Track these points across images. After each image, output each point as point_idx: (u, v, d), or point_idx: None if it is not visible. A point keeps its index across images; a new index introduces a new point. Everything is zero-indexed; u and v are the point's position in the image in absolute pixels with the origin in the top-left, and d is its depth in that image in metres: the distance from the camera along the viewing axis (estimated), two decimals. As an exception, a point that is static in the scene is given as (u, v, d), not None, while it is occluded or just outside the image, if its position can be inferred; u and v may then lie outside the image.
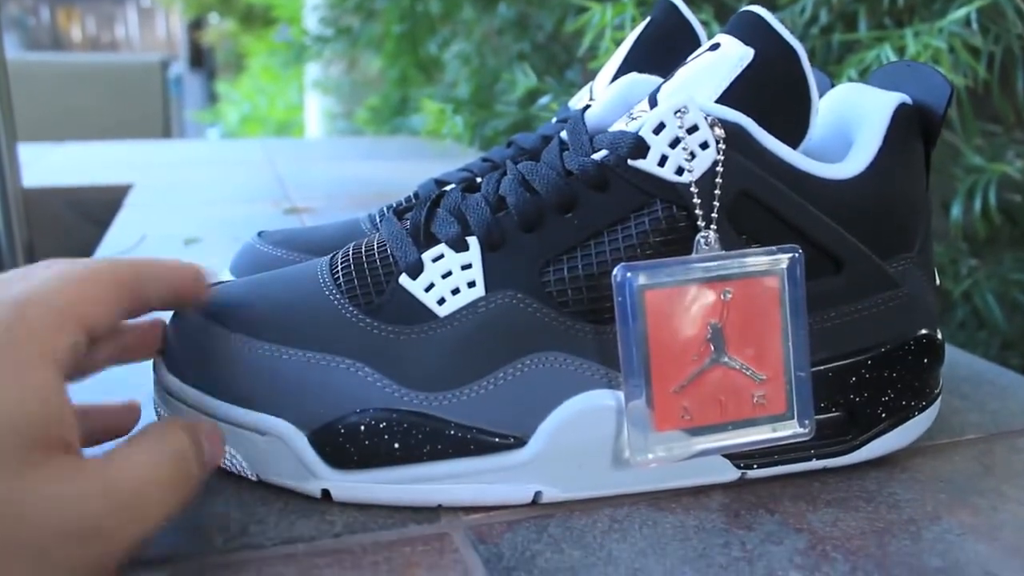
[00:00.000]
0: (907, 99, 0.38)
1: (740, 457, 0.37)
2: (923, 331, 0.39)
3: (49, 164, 1.27)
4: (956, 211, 0.78)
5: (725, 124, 0.35)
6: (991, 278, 0.82)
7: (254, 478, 0.36)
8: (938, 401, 0.40)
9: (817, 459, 0.38)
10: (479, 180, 0.39)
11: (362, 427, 0.34)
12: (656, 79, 0.44)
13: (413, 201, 0.52)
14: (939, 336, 0.40)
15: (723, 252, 0.35)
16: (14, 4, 7.30)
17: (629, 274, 0.33)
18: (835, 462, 0.38)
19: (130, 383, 0.39)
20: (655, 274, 0.34)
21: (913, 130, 0.39)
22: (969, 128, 0.80)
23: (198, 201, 0.98)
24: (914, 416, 0.39)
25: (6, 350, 0.25)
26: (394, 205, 0.53)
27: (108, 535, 0.25)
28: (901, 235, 0.38)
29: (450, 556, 0.32)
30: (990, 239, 0.85)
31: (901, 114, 0.38)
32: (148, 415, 0.39)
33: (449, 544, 0.33)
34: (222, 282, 0.41)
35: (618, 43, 0.82)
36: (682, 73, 0.37)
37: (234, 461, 0.36)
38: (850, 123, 0.39)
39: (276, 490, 0.36)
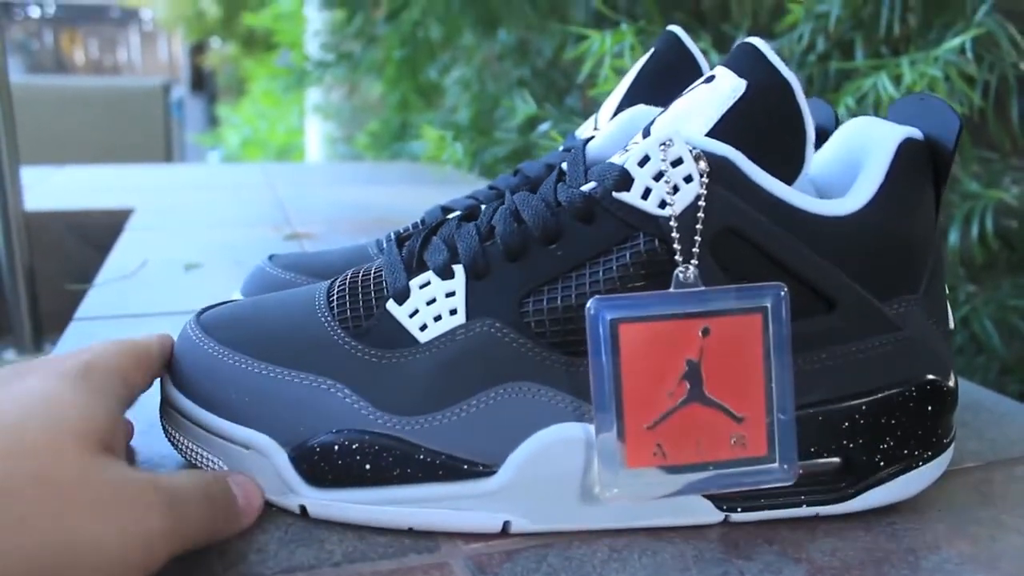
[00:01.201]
0: (914, 133, 0.37)
1: (723, 499, 0.36)
2: (929, 376, 0.37)
3: (51, 187, 1.27)
4: (953, 237, 0.78)
5: (711, 157, 0.34)
6: (989, 304, 0.83)
7: None
8: (949, 451, 0.39)
9: (808, 506, 0.37)
10: (483, 208, 0.40)
11: (336, 447, 0.35)
12: (659, 111, 0.44)
13: (420, 228, 0.53)
14: (950, 383, 0.38)
15: (702, 288, 0.34)
16: (18, 28, 7.35)
17: (602, 307, 0.33)
18: (827, 510, 0.37)
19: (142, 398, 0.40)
20: (630, 308, 0.34)
21: (920, 166, 0.37)
22: (966, 155, 0.81)
23: (199, 225, 0.98)
24: (918, 467, 0.37)
25: (87, 378, 0.32)
26: (400, 231, 0.54)
27: (159, 528, 0.28)
28: (903, 275, 0.37)
29: (449, 586, 0.32)
30: (988, 265, 0.85)
31: (906, 149, 0.37)
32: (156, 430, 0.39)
33: (448, 574, 0.33)
34: (229, 301, 0.43)
35: (617, 71, 0.83)
36: (676, 105, 0.37)
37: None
38: (859, 158, 0.38)
39: (276, 518, 0.36)
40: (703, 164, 0.34)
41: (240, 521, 0.34)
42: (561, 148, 0.55)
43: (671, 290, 0.34)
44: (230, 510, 0.33)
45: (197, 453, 0.38)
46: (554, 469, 0.35)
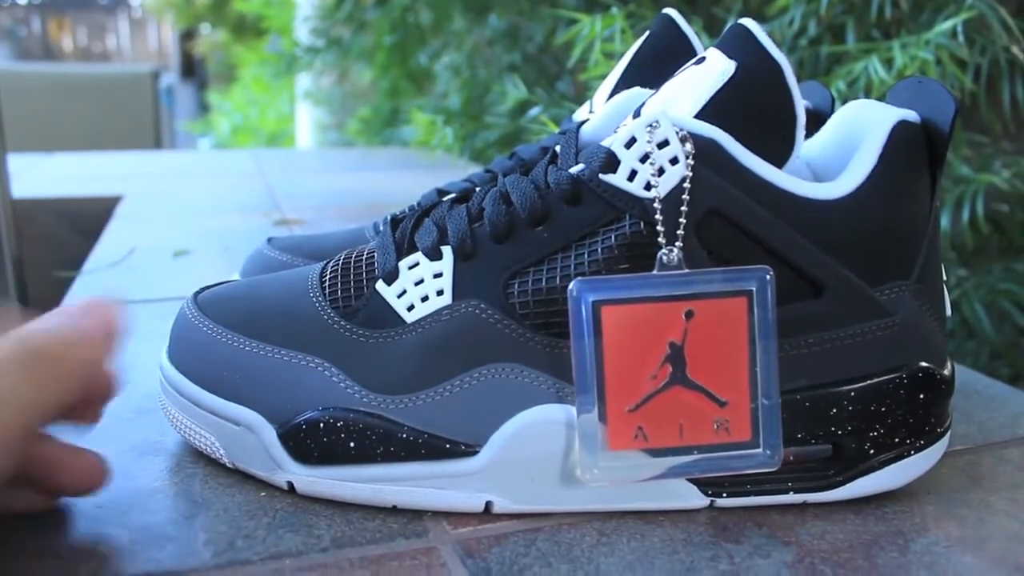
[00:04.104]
0: (909, 116, 0.36)
1: (708, 484, 0.36)
2: (922, 364, 0.37)
3: (39, 175, 1.26)
4: (944, 222, 0.78)
5: (698, 139, 0.34)
6: (979, 288, 0.83)
7: (231, 465, 0.38)
8: (944, 439, 0.38)
9: (795, 493, 0.36)
10: (478, 190, 0.40)
11: (322, 424, 0.35)
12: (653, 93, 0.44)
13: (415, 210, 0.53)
14: (945, 371, 0.37)
15: (686, 271, 0.34)
16: (5, 14, 7.30)
17: (584, 289, 0.33)
18: (815, 497, 0.37)
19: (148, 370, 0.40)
20: (613, 290, 0.34)
21: (915, 149, 0.37)
22: (957, 139, 0.81)
23: (188, 212, 0.98)
24: (909, 456, 0.37)
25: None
26: (396, 213, 0.54)
27: None
28: (895, 260, 0.36)
29: (438, 571, 0.32)
30: (978, 249, 0.86)
31: (900, 131, 0.36)
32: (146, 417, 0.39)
33: (437, 558, 0.33)
34: (228, 281, 0.43)
35: (607, 55, 0.83)
36: (667, 87, 0.37)
37: (214, 447, 0.38)
38: (854, 141, 0.38)
39: (263, 504, 0.36)
40: (689, 146, 0.34)
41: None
42: (559, 132, 0.55)
43: (654, 272, 0.34)
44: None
45: (192, 430, 0.38)
46: (535, 450, 0.35)
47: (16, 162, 1.03)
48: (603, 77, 0.80)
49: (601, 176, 0.35)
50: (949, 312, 0.39)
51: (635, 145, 0.35)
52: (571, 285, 0.33)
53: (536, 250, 0.35)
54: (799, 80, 0.36)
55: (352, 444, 0.35)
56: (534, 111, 1.07)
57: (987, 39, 0.74)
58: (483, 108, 1.35)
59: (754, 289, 0.34)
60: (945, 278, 0.39)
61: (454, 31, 1.54)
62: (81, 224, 1.08)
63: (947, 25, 0.71)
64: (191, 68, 5.67)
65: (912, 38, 0.73)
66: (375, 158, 1.50)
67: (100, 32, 7.87)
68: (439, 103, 1.49)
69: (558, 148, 0.39)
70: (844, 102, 0.56)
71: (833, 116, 0.41)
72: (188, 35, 5.10)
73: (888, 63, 0.73)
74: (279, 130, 3.09)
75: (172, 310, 0.42)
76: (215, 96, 3.98)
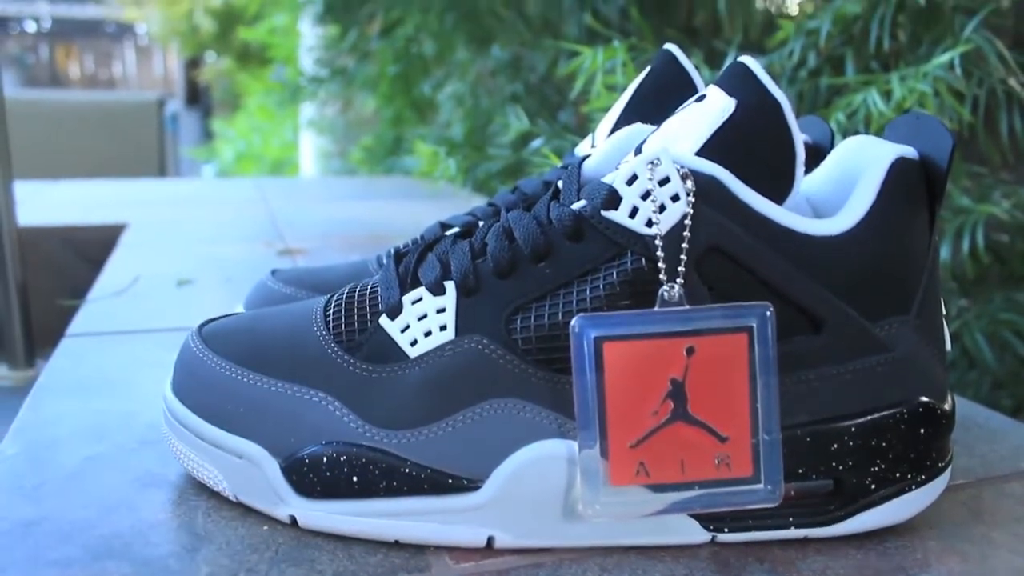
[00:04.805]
0: (908, 152, 0.37)
1: (710, 519, 0.36)
2: (922, 399, 0.37)
3: (45, 202, 1.27)
4: (945, 252, 0.79)
5: (699, 176, 0.34)
6: (981, 318, 0.83)
7: (233, 498, 0.38)
8: (945, 474, 0.38)
9: (796, 528, 0.36)
10: (481, 225, 0.40)
11: (325, 458, 0.35)
12: (654, 129, 0.44)
13: (418, 244, 0.53)
14: (945, 405, 0.38)
15: (687, 307, 0.34)
16: (14, 42, 7.36)
17: (586, 325, 0.34)
18: (816, 532, 0.37)
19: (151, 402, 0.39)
20: (614, 326, 0.34)
21: (913, 185, 0.37)
22: (956, 170, 0.81)
23: (192, 241, 0.98)
24: (911, 490, 0.37)
25: None
26: (400, 247, 0.54)
27: None
28: (894, 295, 0.37)
29: (440, 606, 0.32)
30: (979, 279, 0.86)
31: (899, 168, 0.36)
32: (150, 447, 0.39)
33: (439, 593, 0.33)
34: (232, 314, 0.44)
35: (609, 87, 0.83)
36: (668, 124, 0.37)
37: (217, 480, 0.38)
38: (853, 177, 0.38)
39: (266, 537, 0.36)
40: (690, 183, 0.34)
41: None
42: (560, 165, 0.56)
43: (655, 309, 0.34)
44: None
45: (195, 463, 0.38)
46: (538, 485, 0.35)
47: (22, 189, 1.04)
48: (605, 109, 0.81)
49: (603, 212, 0.35)
50: (949, 346, 0.39)
51: (636, 182, 0.35)
52: (573, 321, 0.34)
53: (538, 286, 0.36)
54: (799, 114, 0.37)
55: (355, 478, 0.35)
56: (536, 143, 1.08)
57: (984, 71, 0.75)
58: (486, 138, 1.36)
59: (754, 325, 0.34)
60: (945, 312, 0.39)
61: (457, 61, 1.56)
62: (86, 252, 1.08)
63: (945, 58, 0.72)
64: (196, 95, 5.72)
65: (911, 70, 0.74)
66: (378, 187, 1.51)
67: (107, 59, 7.94)
68: (442, 132, 1.50)
69: (560, 183, 0.40)
70: (844, 134, 0.57)
71: (832, 152, 0.41)
72: (193, 63, 5.14)
73: (887, 95, 0.74)
74: (283, 158, 3.11)
75: (176, 340, 0.42)
76: (219, 123, 4.01)
